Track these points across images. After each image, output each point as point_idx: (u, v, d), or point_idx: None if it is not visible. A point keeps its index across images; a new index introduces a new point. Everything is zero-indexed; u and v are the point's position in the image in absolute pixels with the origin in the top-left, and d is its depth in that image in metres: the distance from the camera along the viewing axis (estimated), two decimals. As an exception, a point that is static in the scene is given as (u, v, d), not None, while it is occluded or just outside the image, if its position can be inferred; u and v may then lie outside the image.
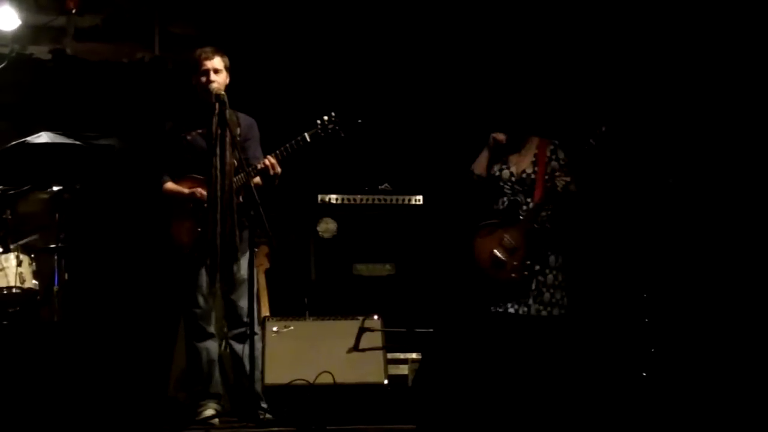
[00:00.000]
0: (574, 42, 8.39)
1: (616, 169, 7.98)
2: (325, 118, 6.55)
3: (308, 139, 6.47)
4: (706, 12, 7.80)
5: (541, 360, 6.82)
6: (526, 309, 7.00)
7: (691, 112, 7.94)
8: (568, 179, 6.97)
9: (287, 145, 6.44)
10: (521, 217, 7.03)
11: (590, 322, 7.55)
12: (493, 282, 7.08)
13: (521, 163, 7.18)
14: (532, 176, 7.10)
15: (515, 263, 6.96)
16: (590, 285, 7.80)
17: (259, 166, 6.36)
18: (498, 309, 7.04)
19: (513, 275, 6.97)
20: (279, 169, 6.39)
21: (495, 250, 7.04)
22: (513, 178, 7.12)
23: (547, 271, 7.02)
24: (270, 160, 6.37)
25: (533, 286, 7.00)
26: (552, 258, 7.05)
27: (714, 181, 7.76)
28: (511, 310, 6.99)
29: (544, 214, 7.04)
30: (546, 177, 7.07)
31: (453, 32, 8.69)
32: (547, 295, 7.00)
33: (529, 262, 6.95)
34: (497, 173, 7.17)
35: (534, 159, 7.16)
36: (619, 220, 8.06)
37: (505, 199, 7.16)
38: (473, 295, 7.25)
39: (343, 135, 6.60)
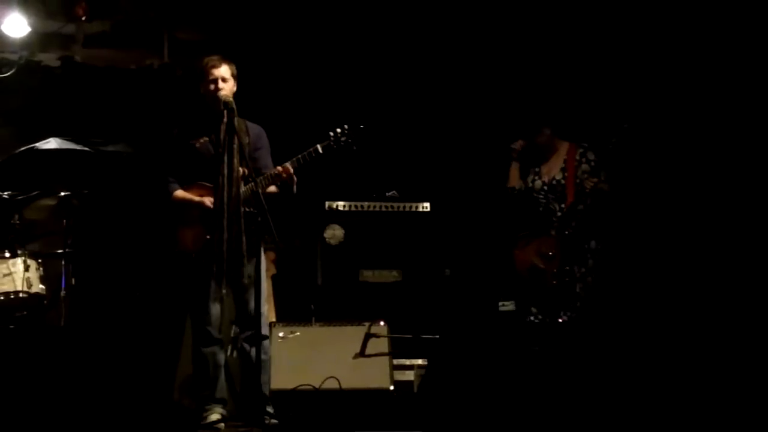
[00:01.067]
0: (582, 46, 8.37)
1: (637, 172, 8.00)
2: (338, 130, 6.53)
3: (320, 151, 6.45)
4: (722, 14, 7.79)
5: (555, 363, 6.85)
6: (574, 314, 7.05)
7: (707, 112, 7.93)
8: (595, 180, 7.02)
9: (299, 156, 6.41)
10: (555, 224, 7.09)
11: (610, 325, 7.58)
12: (537, 291, 7.13)
13: (551, 171, 7.26)
14: (562, 182, 7.17)
15: (554, 270, 7.01)
16: (611, 289, 7.81)
17: (273, 173, 6.35)
18: (544, 318, 7.10)
19: (553, 282, 7.01)
20: (295, 178, 6.39)
21: (533, 261, 7.10)
22: (545, 187, 7.20)
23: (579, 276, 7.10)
24: (286, 168, 6.35)
25: (578, 291, 7.07)
26: (590, 261, 7.12)
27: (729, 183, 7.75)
28: (564, 318, 7.04)
29: (576, 217, 7.08)
30: (577, 181, 7.11)
31: (460, 41, 8.69)
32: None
33: (568, 268, 7.00)
34: (530, 184, 7.26)
35: (563, 165, 7.23)
36: (640, 227, 8.06)
37: (540, 208, 7.22)
38: (483, 302, 7.28)
39: (355, 148, 6.58)
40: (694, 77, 7.94)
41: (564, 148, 7.31)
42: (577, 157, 7.23)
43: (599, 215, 7.21)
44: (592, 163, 7.18)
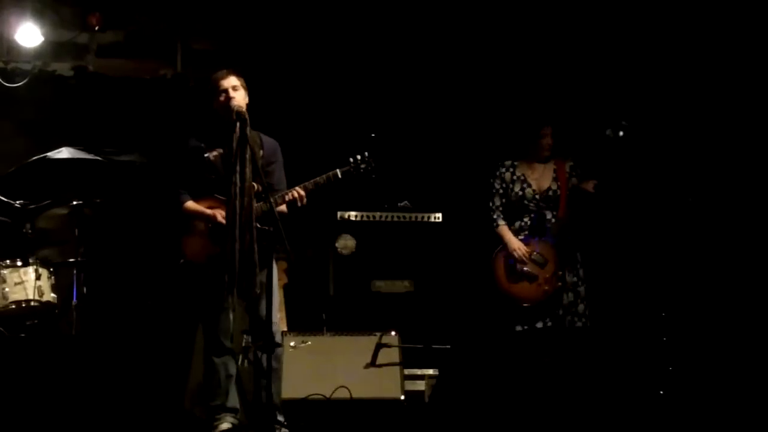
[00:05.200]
0: (595, 53, 8.37)
1: (638, 182, 8.00)
2: (359, 157, 6.52)
3: (339, 177, 6.45)
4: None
5: (565, 372, 6.83)
6: (559, 322, 7.04)
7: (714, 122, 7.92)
8: (595, 182, 7.05)
9: (317, 179, 6.39)
10: (548, 230, 7.11)
11: (613, 333, 7.58)
12: (523, 297, 7.12)
13: (543, 181, 7.28)
14: (558, 192, 7.18)
15: (547, 276, 7.03)
16: (612, 297, 7.82)
17: (287, 197, 6.33)
18: (526, 327, 7.09)
19: (546, 288, 7.02)
20: (306, 201, 6.38)
21: (525, 266, 7.11)
22: (537, 196, 7.22)
23: (580, 283, 7.09)
24: (299, 192, 6.34)
25: (570, 297, 7.06)
26: (581, 271, 7.12)
27: (733, 197, 7.74)
28: (549, 324, 7.04)
29: (572, 225, 7.10)
30: (568, 192, 7.14)
31: (474, 54, 8.69)
32: (581, 307, 7.06)
33: (560, 273, 7.00)
34: (520, 192, 7.24)
35: (554, 175, 7.26)
36: (642, 234, 8.05)
37: (532, 215, 7.23)
38: (493, 313, 7.25)
39: (374, 176, 6.58)
40: (685, 80, 7.98)
41: (551, 162, 7.34)
42: (567, 170, 7.30)
43: (590, 226, 7.25)
44: (580, 178, 7.22)
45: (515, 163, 7.41)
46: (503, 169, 7.41)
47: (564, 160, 7.36)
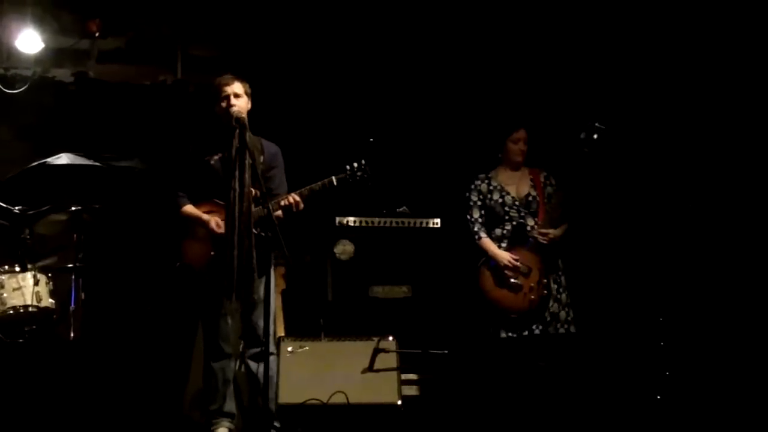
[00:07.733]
0: (592, 55, 8.39)
1: (631, 187, 8.01)
2: (355, 164, 6.53)
3: (335, 184, 6.46)
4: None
5: (557, 377, 6.82)
6: (542, 328, 7.00)
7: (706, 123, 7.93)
8: (560, 193, 7.03)
9: (314, 185, 6.42)
10: (530, 238, 7.05)
11: (609, 338, 7.57)
12: (510, 307, 7.06)
13: (521, 187, 7.23)
14: (537, 198, 7.15)
15: (532, 285, 6.98)
16: (608, 302, 7.82)
17: (282, 203, 6.35)
18: (512, 334, 7.04)
19: (532, 297, 6.97)
20: (302, 206, 6.40)
21: (508, 277, 7.07)
22: (517, 202, 7.17)
23: (561, 290, 7.05)
24: (295, 198, 6.36)
25: (554, 305, 7.02)
26: (563, 278, 7.08)
27: (729, 197, 7.73)
28: (537, 331, 6.99)
29: (550, 232, 7.07)
30: (545, 200, 7.11)
31: (472, 60, 8.70)
32: (563, 314, 7.01)
33: (546, 281, 6.96)
34: (500, 200, 7.19)
35: (532, 183, 7.22)
36: (638, 238, 8.05)
37: (513, 223, 7.18)
38: (485, 320, 7.24)
39: (370, 184, 6.59)
40: (683, 81, 7.99)
41: (525, 169, 7.32)
42: (542, 179, 7.24)
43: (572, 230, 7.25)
44: (554, 187, 7.20)
45: (489, 174, 7.36)
46: (478, 182, 7.33)
47: (538, 170, 7.32)
